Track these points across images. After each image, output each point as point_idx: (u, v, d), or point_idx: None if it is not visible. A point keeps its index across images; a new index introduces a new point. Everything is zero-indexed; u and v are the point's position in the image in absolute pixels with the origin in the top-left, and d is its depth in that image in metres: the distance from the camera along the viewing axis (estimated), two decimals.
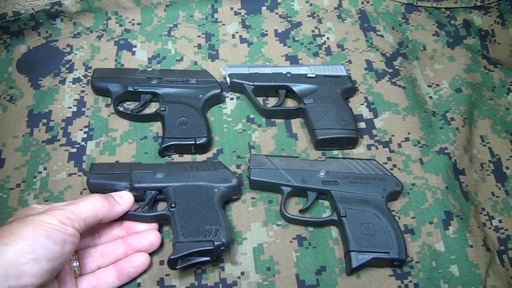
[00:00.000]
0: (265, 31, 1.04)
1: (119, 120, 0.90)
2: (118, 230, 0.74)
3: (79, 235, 0.63)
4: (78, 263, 0.70)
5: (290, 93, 0.92)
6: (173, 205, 0.74)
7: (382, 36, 1.04)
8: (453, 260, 0.74)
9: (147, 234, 0.73)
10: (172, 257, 0.68)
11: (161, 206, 0.80)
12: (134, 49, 1.00)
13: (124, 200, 0.72)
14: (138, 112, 0.90)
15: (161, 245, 0.75)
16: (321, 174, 0.79)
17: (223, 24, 1.05)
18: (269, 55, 1.00)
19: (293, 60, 1.00)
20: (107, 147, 0.86)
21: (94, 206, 0.66)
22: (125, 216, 0.73)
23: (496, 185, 0.86)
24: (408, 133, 0.89)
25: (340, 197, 0.77)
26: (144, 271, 0.72)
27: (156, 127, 0.89)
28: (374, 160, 0.82)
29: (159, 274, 0.73)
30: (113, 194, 0.72)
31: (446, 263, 0.74)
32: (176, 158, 0.85)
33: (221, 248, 0.69)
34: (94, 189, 0.77)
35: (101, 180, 0.77)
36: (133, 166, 0.79)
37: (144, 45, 1.01)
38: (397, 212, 0.80)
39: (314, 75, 0.92)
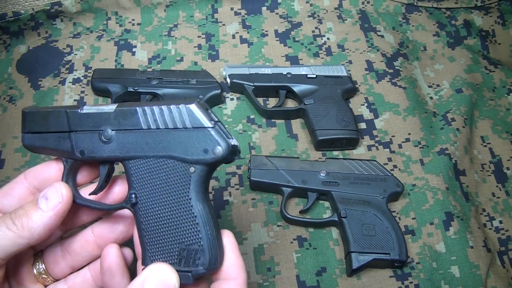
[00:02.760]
0: (266, 31, 1.04)
1: None
2: (84, 214, 0.57)
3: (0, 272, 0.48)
4: (44, 266, 0.56)
5: (290, 93, 0.92)
6: (132, 196, 0.50)
7: (382, 36, 1.04)
8: (454, 261, 0.74)
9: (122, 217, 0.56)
10: None
11: None
12: (134, 49, 1.00)
13: (50, 202, 0.50)
14: None
15: None
16: (321, 174, 0.79)
17: (223, 24, 1.05)
18: (270, 56, 1.00)
19: (294, 60, 1.00)
20: None
21: (7, 233, 0.48)
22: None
23: (497, 186, 0.86)
24: (409, 134, 0.89)
25: (340, 198, 0.77)
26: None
27: None
28: (375, 160, 0.82)
29: None
30: (39, 195, 0.51)
31: (446, 264, 0.74)
32: None
33: (202, 276, 0.48)
34: (34, 151, 0.57)
35: (37, 143, 0.55)
36: (72, 118, 0.53)
37: (144, 46, 1.01)
38: (397, 213, 0.80)
39: (314, 76, 0.92)
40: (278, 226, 0.78)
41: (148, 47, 1.01)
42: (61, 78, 0.95)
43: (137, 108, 0.51)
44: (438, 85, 0.99)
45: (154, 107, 0.50)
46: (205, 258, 0.47)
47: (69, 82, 0.94)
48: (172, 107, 0.50)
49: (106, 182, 0.54)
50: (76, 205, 0.53)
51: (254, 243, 0.76)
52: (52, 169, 0.55)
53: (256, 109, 0.91)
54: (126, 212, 0.55)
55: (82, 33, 1.03)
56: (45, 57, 0.99)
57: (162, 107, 0.50)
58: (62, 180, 0.53)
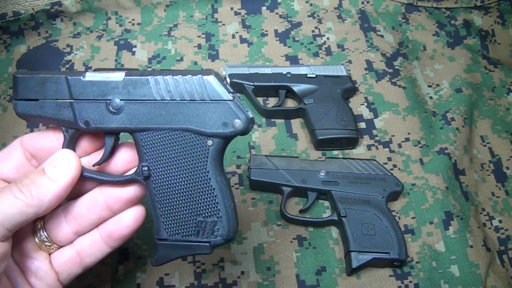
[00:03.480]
0: (265, 31, 1.04)
1: None
2: (90, 181, 0.55)
3: (6, 245, 0.46)
4: (46, 233, 0.53)
5: (290, 93, 0.92)
6: (145, 169, 0.50)
7: (382, 36, 1.04)
8: (453, 260, 0.74)
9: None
10: (154, 263, 0.53)
11: None
12: (134, 49, 1.00)
13: (60, 171, 0.48)
14: None
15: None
16: (321, 174, 0.79)
17: (223, 24, 1.05)
18: (269, 55, 1.00)
19: (293, 60, 1.00)
20: None
21: (15, 202, 0.46)
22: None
23: (496, 185, 0.86)
24: (408, 133, 0.89)
25: (340, 197, 0.77)
26: (143, 270, 0.72)
27: None
28: (374, 160, 0.82)
29: (158, 273, 0.72)
30: (44, 164, 0.49)
31: (446, 263, 0.74)
32: None
33: (220, 246, 0.51)
34: (28, 120, 0.55)
35: (32, 111, 0.52)
36: (74, 85, 0.50)
37: (144, 45, 1.01)
38: (397, 212, 0.80)
39: (314, 75, 0.92)
40: (278, 225, 0.78)
41: (148, 47, 1.01)
42: None
43: (149, 77, 0.48)
44: (437, 85, 0.99)
45: (168, 76, 0.48)
46: (224, 229, 0.48)
47: None
48: (188, 77, 0.48)
49: (111, 153, 0.52)
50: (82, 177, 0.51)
51: (254, 243, 0.76)
52: (49, 138, 0.53)
53: (256, 109, 0.91)
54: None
55: (82, 33, 1.03)
56: (45, 57, 0.99)
57: (177, 77, 0.48)
58: None
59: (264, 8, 1.08)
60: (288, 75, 0.92)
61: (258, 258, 0.75)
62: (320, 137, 0.84)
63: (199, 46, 1.01)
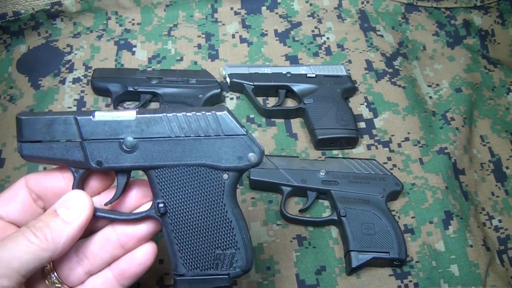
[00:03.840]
0: (265, 31, 1.04)
1: None
2: (101, 220, 0.54)
3: None
4: (56, 275, 0.52)
5: (290, 93, 0.92)
6: (161, 205, 0.50)
7: (382, 36, 1.04)
8: (453, 259, 0.74)
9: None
10: None
11: None
12: (134, 49, 1.00)
13: (73, 212, 0.47)
14: None
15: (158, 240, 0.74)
16: (321, 174, 0.79)
17: (223, 24, 1.05)
18: (269, 55, 1.00)
19: (293, 60, 1.00)
20: None
21: (30, 246, 0.44)
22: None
23: (496, 185, 0.86)
24: (408, 133, 0.89)
25: (340, 197, 0.77)
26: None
27: None
28: (374, 160, 0.82)
29: (158, 273, 0.73)
30: (56, 205, 0.49)
31: (446, 263, 0.74)
32: None
33: (238, 277, 0.52)
34: (35, 162, 0.52)
35: (39, 153, 0.50)
36: (84, 126, 0.49)
37: (144, 45, 1.01)
38: (397, 212, 0.80)
39: (314, 75, 0.92)
40: (277, 225, 0.78)
41: (148, 46, 1.01)
42: (61, 77, 0.95)
43: (162, 115, 0.49)
44: (437, 85, 0.99)
45: (180, 114, 0.49)
46: (242, 260, 0.49)
47: (69, 82, 0.94)
48: (202, 114, 0.49)
49: (123, 192, 0.52)
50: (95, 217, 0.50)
51: (254, 242, 0.76)
52: (56, 178, 0.52)
53: (256, 109, 0.91)
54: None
55: (82, 32, 1.03)
56: (45, 57, 0.99)
57: (189, 114, 0.49)
58: None
59: (264, 8, 1.08)
60: (288, 75, 0.92)
61: (258, 257, 0.75)
62: (320, 137, 0.84)
63: (199, 46, 1.01)
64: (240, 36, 1.03)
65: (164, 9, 1.06)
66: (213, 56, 1.00)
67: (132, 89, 0.90)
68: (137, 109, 0.50)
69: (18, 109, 0.90)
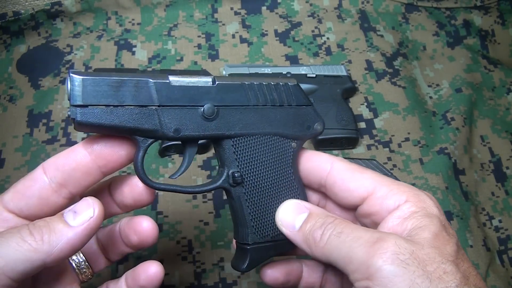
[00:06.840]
0: (265, 31, 1.04)
1: None
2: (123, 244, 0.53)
3: None
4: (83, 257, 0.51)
5: None
6: (237, 175, 0.49)
7: (382, 36, 1.04)
8: None
9: (147, 263, 0.52)
10: (246, 269, 0.50)
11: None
12: (134, 49, 1.00)
13: (79, 217, 0.43)
14: None
15: (158, 240, 0.74)
16: None
17: (223, 24, 1.05)
18: (269, 55, 1.00)
19: (293, 60, 1.00)
20: None
21: (21, 244, 0.40)
22: (156, 189, 0.48)
23: (496, 185, 0.86)
24: (408, 133, 0.89)
25: None
26: None
27: None
28: (374, 160, 0.82)
29: None
30: (65, 210, 0.44)
31: None
32: (176, 158, 0.85)
33: None
34: (90, 131, 0.45)
35: (101, 120, 0.43)
36: (161, 90, 0.45)
37: (144, 45, 1.01)
38: None
39: (314, 75, 0.92)
40: None
41: (148, 46, 1.01)
42: (61, 77, 0.95)
43: (241, 83, 0.49)
44: (437, 85, 0.99)
45: (257, 83, 0.49)
46: None
47: None
48: (278, 84, 0.50)
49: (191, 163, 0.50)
50: (157, 190, 0.48)
51: None
52: (80, 155, 0.45)
53: None
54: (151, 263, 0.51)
55: (82, 32, 1.03)
56: (45, 57, 0.99)
57: (265, 83, 0.50)
58: (137, 166, 0.46)
59: (264, 8, 1.08)
60: (288, 75, 0.92)
61: None
62: (320, 137, 0.84)
63: (199, 46, 1.01)
64: (240, 36, 1.03)
65: (164, 9, 1.06)
66: (213, 56, 1.00)
67: None
68: (214, 76, 0.48)
69: (18, 109, 0.90)
